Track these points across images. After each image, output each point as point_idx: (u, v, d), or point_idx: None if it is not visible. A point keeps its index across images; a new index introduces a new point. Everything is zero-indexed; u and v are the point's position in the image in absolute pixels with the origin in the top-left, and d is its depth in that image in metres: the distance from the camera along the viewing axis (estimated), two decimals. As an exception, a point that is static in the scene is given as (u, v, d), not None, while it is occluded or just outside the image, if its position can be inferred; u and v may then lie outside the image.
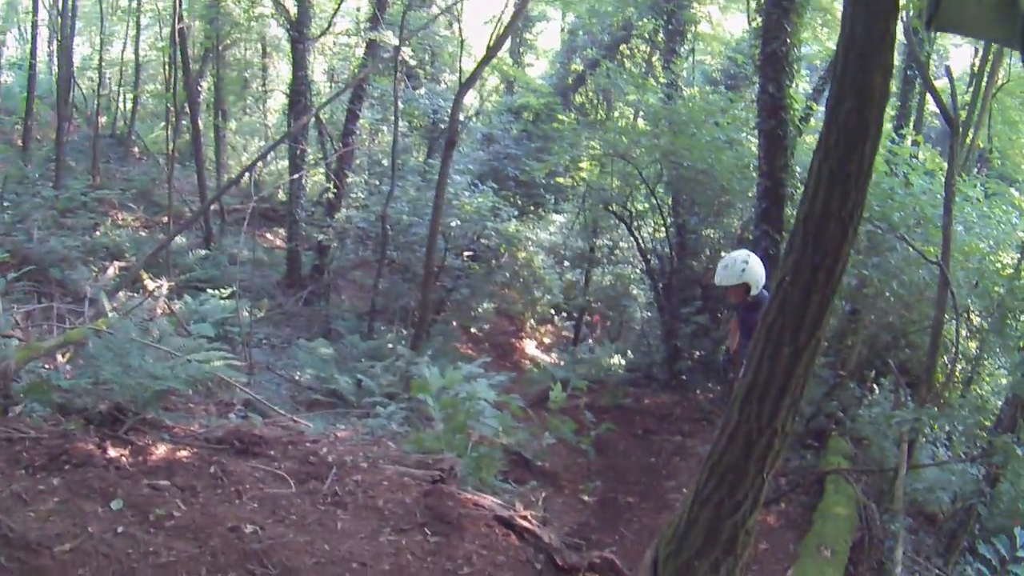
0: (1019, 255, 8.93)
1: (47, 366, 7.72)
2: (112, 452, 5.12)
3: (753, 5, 19.95)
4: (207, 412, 7.75)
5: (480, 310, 21.75)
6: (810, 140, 12.30)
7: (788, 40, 10.54)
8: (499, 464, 7.33)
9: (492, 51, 14.40)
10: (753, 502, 3.65)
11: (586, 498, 8.99)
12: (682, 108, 14.89)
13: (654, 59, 23.47)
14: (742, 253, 7.23)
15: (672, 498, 9.15)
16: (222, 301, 13.13)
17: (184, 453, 5.43)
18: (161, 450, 5.38)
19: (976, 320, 9.32)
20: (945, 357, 9.32)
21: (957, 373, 9.37)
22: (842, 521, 6.06)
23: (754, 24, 14.79)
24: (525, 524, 5.64)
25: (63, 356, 8.29)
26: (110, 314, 10.08)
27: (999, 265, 9.15)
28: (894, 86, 10.62)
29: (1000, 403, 8.48)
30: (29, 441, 5.06)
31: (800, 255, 3.57)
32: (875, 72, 3.40)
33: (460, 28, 21.46)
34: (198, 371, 7.18)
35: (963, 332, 9.12)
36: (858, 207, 3.50)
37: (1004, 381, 9.62)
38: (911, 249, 9.29)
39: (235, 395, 8.61)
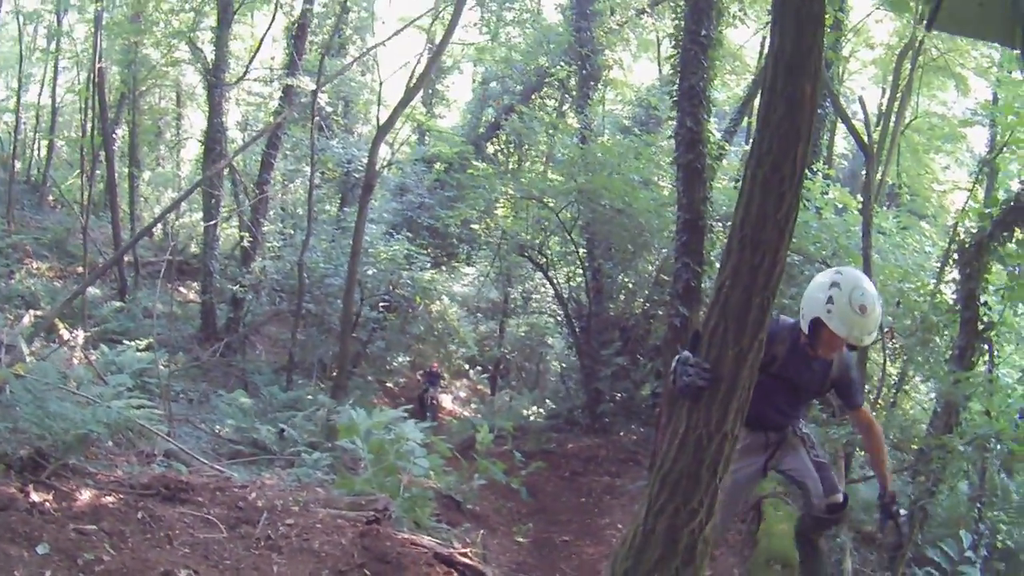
0: (935, 278, 9.16)
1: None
2: (35, 497, 4.86)
3: (664, 49, 20.58)
4: (128, 461, 7.44)
5: (396, 363, 21.62)
6: (724, 181, 12.62)
7: (704, 76, 10.76)
8: (432, 505, 7.18)
9: (411, 92, 14.49)
10: (709, 508, 3.59)
11: (520, 539, 8.84)
12: (597, 150, 15.12)
13: (565, 107, 23.85)
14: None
15: (608, 534, 9.07)
16: (139, 353, 12.77)
17: (110, 499, 5.17)
18: (86, 495, 5.12)
19: (898, 342, 9.49)
20: (874, 378, 9.51)
21: (885, 392, 9.52)
22: (787, 537, 6.05)
23: (668, 64, 15.15)
24: (467, 561, 5.53)
25: (-21, 402, 7.87)
26: (28, 360, 9.68)
27: (918, 284, 9.37)
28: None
29: (925, 424, 8.66)
30: (-56, 486, 4.78)
31: (739, 258, 3.56)
32: (804, 81, 3.45)
33: (378, 70, 21.66)
34: (119, 416, 6.88)
35: (888, 352, 9.27)
36: (793, 210, 3.52)
37: (929, 395, 9.97)
38: (829, 277, 9.46)
39: (156, 445, 8.29)
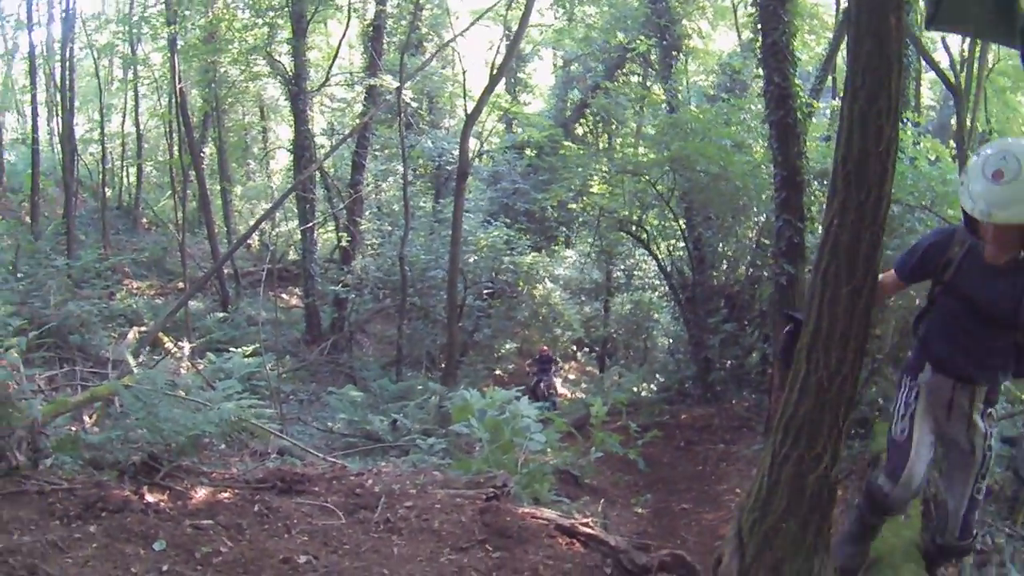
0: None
1: (74, 427, 7.57)
2: (150, 498, 4.96)
3: (741, 15, 20.15)
4: (242, 460, 7.61)
5: (503, 351, 21.64)
6: (815, 141, 12.26)
7: (786, 30, 10.51)
8: (550, 480, 7.17)
9: (495, 79, 14.63)
10: (833, 454, 3.50)
11: (639, 510, 8.78)
12: (687, 116, 14.94)
13: (650, 82, 23.59)
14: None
15: (726, 500, 8.94)
16: (246, 359, 13.06)
17: (225, 495, 5.26)
18: (201, 493, 5.22)
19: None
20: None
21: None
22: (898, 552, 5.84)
23: (747, 28, 14.84)
24: (589, 531, 5.46)
25: (90, 417, 8.15)
26: (135, 371, 9.98)
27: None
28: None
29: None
30: (62, 492, 4.87)
31: (845, 195, 3.51)
32: (889, 12, 3.41)
33: (460, 62, 21.69)
34: (230, 415, 7.02)
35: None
36: (893, 143, 3.46)
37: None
38: (931, 227, 9.15)
39: (269, 444, 8.47)
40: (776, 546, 3.58)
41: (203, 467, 5.95)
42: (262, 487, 5.54)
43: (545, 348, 19.33)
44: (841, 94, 3.72)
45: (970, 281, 3.51)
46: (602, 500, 7.88)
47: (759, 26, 11.10)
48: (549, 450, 7.98)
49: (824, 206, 3.85)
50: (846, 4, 13.18)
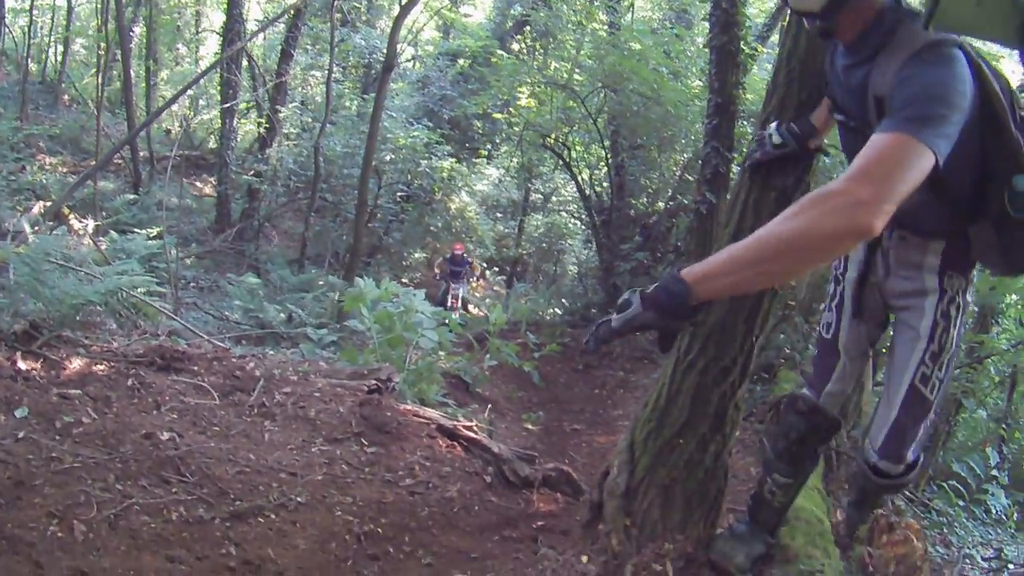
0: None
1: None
2: (22, 365, 4.60)
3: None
4: (127, 337, 7.17)
5: (411, 258, 21.25)
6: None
7: (738, -43, 10.15)
8: (439, 383, 6.87)
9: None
10: (743, 369, 3.20)
11: (530, 426, 8.54)
12: (626, 35, 14.57)
13: (593, 7, 23.03)
14: None
15: (620, 425, 8.77)
16: (149, 240, 12.49)
17: (100, 367, 4.91)
18: (76, 364, 4.86)
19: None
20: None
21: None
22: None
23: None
24: (472, 435, 5.23)
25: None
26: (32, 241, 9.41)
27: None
28: None
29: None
30: (-69, 356, 4.54)
31: (785, 93, 3.27)
32: None
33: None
34: (118, 288, 6.55)
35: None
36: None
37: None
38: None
39: (160, 325, 8.01)
40: (670, 463, 3.27)
41: (84, 339, 5.53)
42: (139, 362, 5.17)
43: (459, 246, 17.26)
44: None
45: (836, 87, 2.82)
46: (490, 408, 7.62)
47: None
48: (442, 353, 7.66)
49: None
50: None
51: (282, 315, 10.89)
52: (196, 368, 5.41)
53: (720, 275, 1.93)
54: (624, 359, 12.34)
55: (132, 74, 19.99)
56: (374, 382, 5.48)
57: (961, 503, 6.41)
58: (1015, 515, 6.66)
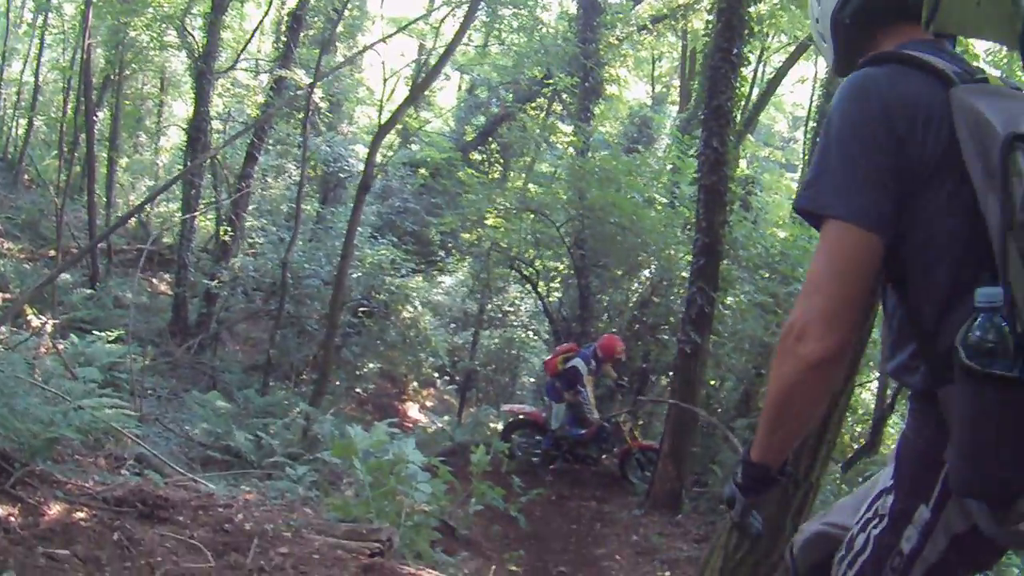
0: None
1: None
2: (1, 511, 4.37)
3: (660, 67, 20.30)
4: (97, 466, 6.90)
5: (366, 370, 20.98)
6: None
7: (732, 96, 10.37)
8: (434, 536, 6.68)
9: (417, 91, 14.21)
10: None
11: (513, 568, 8.31)
12: (601, 164, 14.82)
13: (554, 120, 23.39)
14: None
15: (606, 566, 8.61)
16: (109, 344, 12.20)
17: (82, 515, 4.66)
18: (55, 510, 4.63)
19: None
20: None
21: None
22: None
23: (660, 83, 14.87)
24: (477, 603, 5.06)
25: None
26: (-1, 349, 9.16)
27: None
28: None
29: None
30: None
31: None
32: None
33: (384, 67, 21.11)
34: (91, 419, 6.34)
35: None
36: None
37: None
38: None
39: (127, 449, 7.75)
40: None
41: (57, 474, 5.32)
42: (122, 510, 4.93)
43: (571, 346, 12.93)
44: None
45: None
46: (481, 560, 7.41)
47: (706, 88, 11.00)
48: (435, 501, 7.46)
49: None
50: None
51: (250, 443, 10.58)
52: (182, 518, 5.16)
53: (770, 440, 1.87)
54: (594, 486, 12.24)
55: (95, 159, 19.96)
56: (375, 544, 5.30)
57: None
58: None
